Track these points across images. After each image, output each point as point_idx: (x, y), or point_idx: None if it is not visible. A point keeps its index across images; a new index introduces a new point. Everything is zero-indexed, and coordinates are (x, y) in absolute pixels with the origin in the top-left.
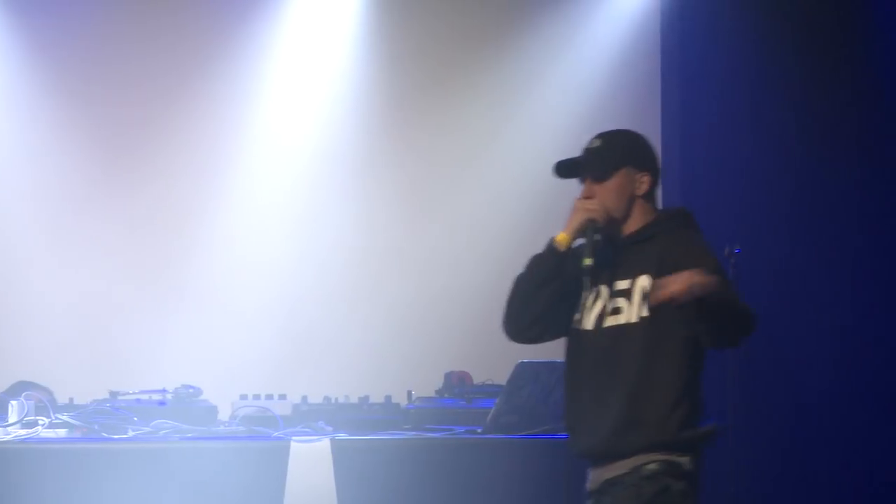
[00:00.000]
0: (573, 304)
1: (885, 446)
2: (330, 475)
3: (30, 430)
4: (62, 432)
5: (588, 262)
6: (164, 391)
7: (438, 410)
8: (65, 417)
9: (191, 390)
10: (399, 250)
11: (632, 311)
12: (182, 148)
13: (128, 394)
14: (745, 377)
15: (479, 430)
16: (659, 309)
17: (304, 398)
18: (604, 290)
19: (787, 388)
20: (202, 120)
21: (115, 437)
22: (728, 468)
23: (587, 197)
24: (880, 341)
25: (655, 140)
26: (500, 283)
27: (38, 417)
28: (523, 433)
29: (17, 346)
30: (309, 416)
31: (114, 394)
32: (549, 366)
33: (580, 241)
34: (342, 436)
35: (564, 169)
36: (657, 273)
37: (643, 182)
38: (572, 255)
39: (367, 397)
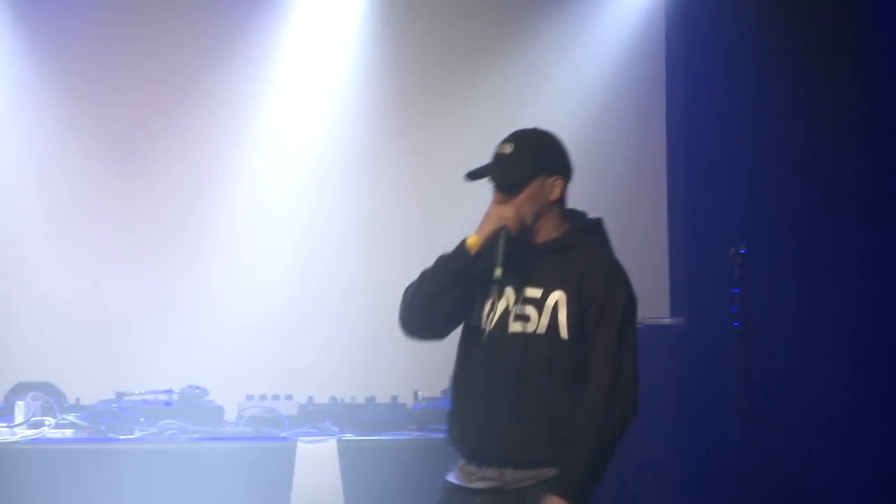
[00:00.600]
0: (474, 304)
1: None
2: (337, 475)
3: (36, 431)
4: (69, 433)
5: (499, 273)
6: (170, 391)
7: (444, 411)
8: (71, 418)
9: (197, 391)
10: (405, 250)
11: (541, 322)
12: (187, 149)
13: (134, 394)
14: (751, 378)
15: None
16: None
17: (311, 398)
18: (510, 293)
19: (794, 389)
20: (208, 121)
21: (122, 437)
22: (734, 471)
23: (501, 202)
24: (890, 341)
25: (660, 139)
26: None
27: (44, 418)
28: None
29: (23, 347)
30: (315, 417)
31: (120, 394)
32: None
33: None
34: (348, 436)
35: (478, 177)
36: (575, 296)
37: (556, 186)
38: (482, 258)
39: (373, 398)
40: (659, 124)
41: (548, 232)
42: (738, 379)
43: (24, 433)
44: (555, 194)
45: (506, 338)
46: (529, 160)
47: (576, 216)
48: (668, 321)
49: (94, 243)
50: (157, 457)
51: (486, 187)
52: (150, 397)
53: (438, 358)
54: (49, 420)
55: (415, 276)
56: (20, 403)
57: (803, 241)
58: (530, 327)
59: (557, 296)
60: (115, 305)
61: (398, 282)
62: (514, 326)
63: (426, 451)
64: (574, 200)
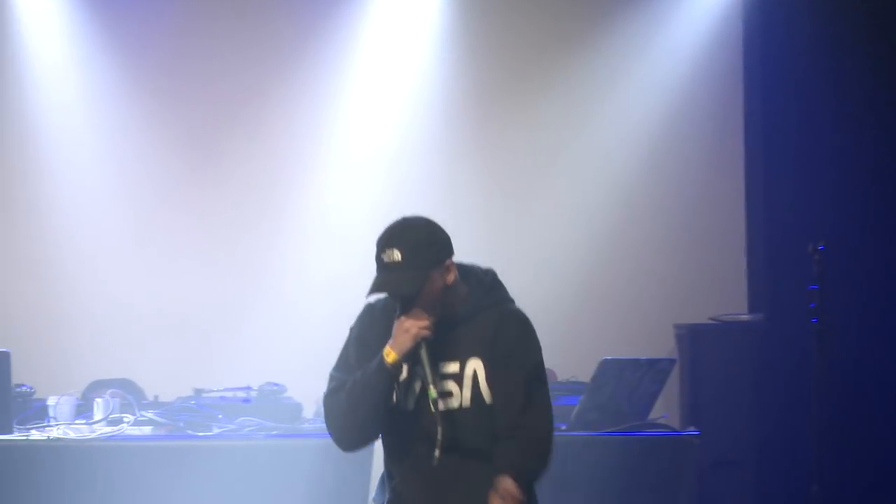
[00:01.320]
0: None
1: None
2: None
3: (115, 428)
4: (147, 430)
5: (433, 393)
6: (248, 388)
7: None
8: (150, 415)
9: (275, 387)
10: (481, 249)
11: (464, 396)
12: (264, 146)
13: (212, 391)
14: (829, 374)
15: (564, 427)
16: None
17: None
18: (426, 370)
19: (872, 385)
20: (285, 118)
21: (200, 434)
22: (812, 467)
23: (407, 312)
24: None
25: (738, 135)
26: (585, 282)
27: (123, 415)
28: (607, 430)
29: (104, 346)
30: None
31: (198, 391)
32: (633, 363)
33: None
34: None
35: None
36: (490, 359)
37: (450, 271)
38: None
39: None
40: (737, 120)
41: (452, 305)
42: (817, 375)
43: (102, 430)
44: (451, 278)
45: (430, 418)
46: (421, 262)
47: (469, 275)
48: (746, 318)
49: (173, 242)
50: (236, 454)
51: (563, 185)
52: (229, 394)
53: None
54: (128, 417)
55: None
56: (99, 400)
57: (882, 236)
58: (454, 402)
59: (474, 364)
60: (192, 303)
61: None
62: (439, 404)
63: None
64: (653, 199)
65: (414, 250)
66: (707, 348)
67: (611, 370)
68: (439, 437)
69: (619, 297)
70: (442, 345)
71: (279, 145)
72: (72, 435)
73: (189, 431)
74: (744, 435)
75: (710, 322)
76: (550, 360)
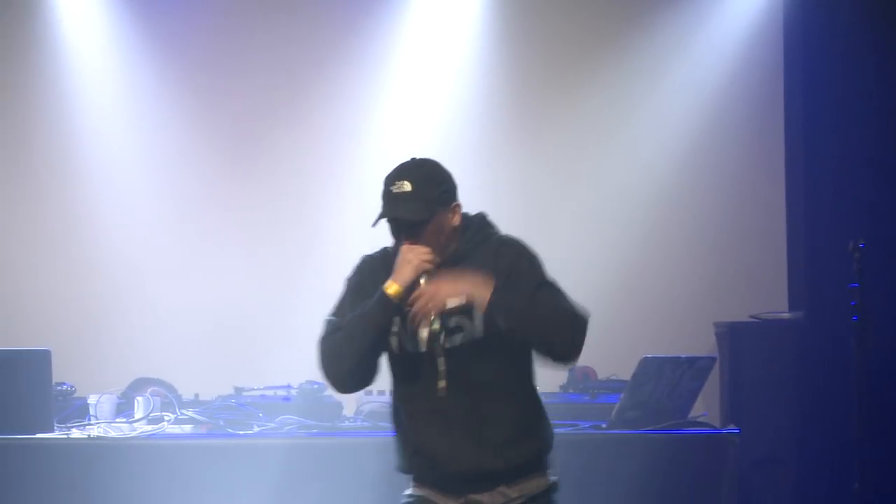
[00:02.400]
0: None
1: None
2: None
3: (155, 426)
4: (187, 428)
5: (436, 325)
6: (288, 387)
7: (563, 405)
8: (190, 413)
9: (315, 386)
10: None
11: (476, 326)
12: (305, 144)
13: (253, 389)
14: (870, 372)
15: (604, 425)
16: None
17: None
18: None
19: None
20: (325, 115)
21: (241, 432)
22: (853, 465)
23: (410, 246)
24: None
25: (778, 134)
26: (625, 279)
27: (163, 413)
28: (648, 428)
29: (144, 344)
30: None
31: (238, 390)
32: (674, 361)
33: None
34: None
35: (402, 229)
36: (496, 281)
37: (456, 212)
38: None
39: None
40: (777, 118)
41: (454, 250)
42: (858, 372)
43: (143, 428)
44: (456, 220)
45: (448, 354)
46: (430, 195)
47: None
48: (786, 316)
49: (215, 240)
50: (276, 452)
51: (603, 183)
52: (269, 393)
53: None
54: (168, 415)
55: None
56: (139, 399)
57: None
58: (466, 335)
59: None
60: (232, 302)
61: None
62: (452, 340)
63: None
64: (694, 197)
65: (424, 183)
66: (747, 346)
67: (651, 368)
68: (441, 367)
69: (659, 295)
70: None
71: (319, 143)
72: (112, 433)
73: (229, 430)
74: (784, 433)
75: (751, 320)
76: (591, 358)
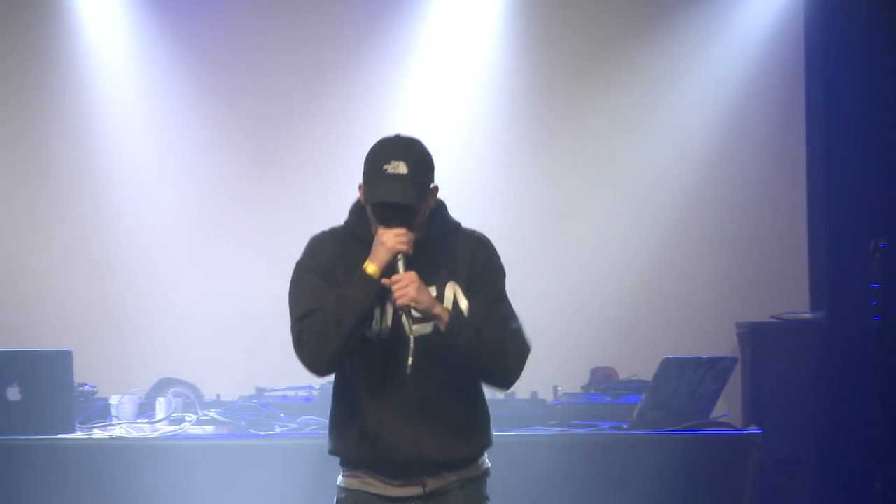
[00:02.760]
0: None
1: None
2: None
3: (177, 427)
4: (209, 429)
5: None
6: (310, 387)
7: (584, 406)
8: (212, 414)
9: None
10: (544, 247)
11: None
12: (327, 143)
13: (274, 390)
14: (892, 372)
15: (625, 426)
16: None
17: None
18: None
19: None
20: (347, 115)
21: (262, 433)
22: (874, 465)
23: (398, 226)
24: None
25: (799, 133)
26: (646, 280)
27: (185, 414)
28: (669, 428)
29: (168, 344)
30: None
31: (260, 390)
32: (695, 361)
33: None
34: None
35: (391, 211)
36: (466, 282)
37: (434, 194)
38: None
39: (513, 393)
40: (798, 118)
41: (419, 231)
42: (878, 373)
43: (164, 429)
44: (433, 202)
45: (407, 342)
46: (422, 179)
47: None
48: (807, 316)
49: (236, 240)
50: (298, 452)
51: (626, 182)
52: (291, 393)
53: (576, 353)
54: (190, 416)
55: (557, 271)
56: (161, 399)
57: None
58: (432, 325)
59: (452, 287)
60: (255, 301)
61: (539, 275)
62: (418, 328)
63: (566, 447)
64: (715, 197)
65: (419, 166)
66: (768, 346)
67: (672, 369)
68: (411, 344)
69: (680, 295)
70: (416, 269)
71: (341, 143)
72: (134, 434)
73: (251, 430)
74: (806, 433)
75: (772, 320)
76: (612, 358)
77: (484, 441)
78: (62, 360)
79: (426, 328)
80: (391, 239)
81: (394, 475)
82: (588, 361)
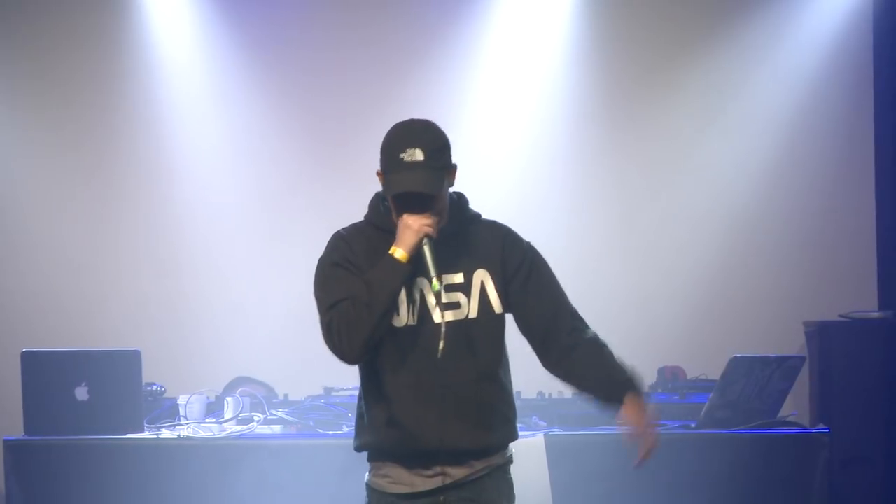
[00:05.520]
0: None
1: None
2: (544, 470)
3: (245, 427)
4: (277, 428)
5: (437, 285)
6: None
7: (652, 405)
8: (280, 413)
9: None
10: (612, 247)
11: (472, 306)
12: None
13: (342, 390)
14: None
15: (693, 425)
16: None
17: (518, 393)
18: (421, 284)
19: None
20: (412, 115)
21: (330, 432)
22: None
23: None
24: None
25: (868, 133)
26: (715, 280)
27: (253, 413)
28: (737, 428)
29: (236, 344)
30: (523, 412)
31: (328, 390)
32: (763, 360)
33: None
34: (556, 431)
35: (411, 199)
36: (500, 270)
37: (453, 176)
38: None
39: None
40: (867, 118)
41: (442, 214)
42: None
43: (232, 428)
44: (453, 179)
45: (436, 329)
46: (440, 163)
47: None
48: (876, 315)
49: (303, 238)
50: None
51: (692, 183)
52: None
53: (644, 352)
54: (258, 416)
55: (624, 271)
56: (229, 399)
57: None
58: (461, 314)
59: (481, 275)
60: None
61: (606, 278)
62: (446, 316)
63: (633, 446)
64: (783, 197)
65: (435, 151)
66: (837, 345)
67: (740, 368)
68: (443, 329)
69: (748, 294)
70: (442, 257)
71: None
72: (202, 434)
73: (319, 430)
74: (874, 432)
75: (840, 319)
76: (680, 358)
77: (509, 432)
78: (130, 359)
79: (459, 313)
80: (416, 221)
81: (423, 464)
82: (656, 361)
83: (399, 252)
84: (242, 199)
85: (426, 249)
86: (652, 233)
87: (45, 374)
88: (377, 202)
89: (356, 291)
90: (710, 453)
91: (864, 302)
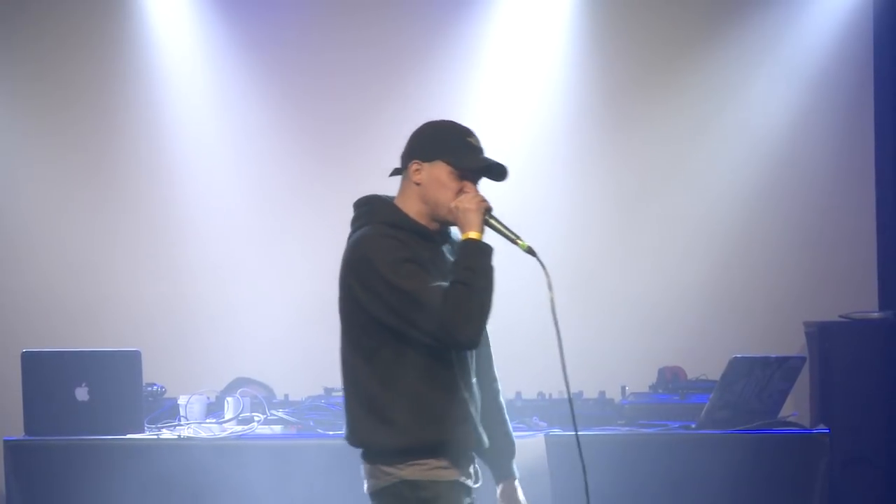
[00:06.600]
0: None
1: None
2: (545, 470)
3: (245, 427)
4: (277, 428)
5: (525, 244)
6: None
7: (652, 406)
8: (280, 414)
9: None
10: (611, 247)
11: None
12: (394, 142)
13: (342, 390)
14: None
15: (693, 426)
16: None
17: (518, 394)
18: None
19: None
20: (415, 115)
21: (330, 433)
22: None
23: (463, 192)
24: None
25: (868, 134)
26: (715, 280)
27: (253, 414)
28: (737, 428)
29: (236, 344)
30: (523, 412)
31: (328, 390)
32: (763, 360)
33: None
34: (556, 431)
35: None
36: None
37: None
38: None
39: (580, 393)
40: (867, 118)
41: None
42: None
43: (233, 429)
44: None
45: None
46: None
47: None
48: (876, 315)
49: (302, 240)
50: None
51: (692, 183)
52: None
53: (644, 352)
54: (258, 416)
55: (624, 272)
56: (229, 399)
57: None
58: None
59: None
60: (323, 301)
61: (606, 278)
62: None
63: (634, 446)
64: (783, 197)
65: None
66: (837, 346)
67: (741, 368)
68: (549, 285)
69: (748, 295)
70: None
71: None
72: (202, 434)
73: (319, 430)
74: (874, 433)
75: (841, 320)
76: (680, 358)
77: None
78: (131, 360)
79: None
80: (472, 202)
81: (468, 463)
82: (656, 361)
83: (474, 234)
84: (243, 199)
85: (493, 220)
86: (652, 233)
87: (46, 374)
88: (387, 205)
89: (461, 276)
90: (710, 453)
91: (864, 302)
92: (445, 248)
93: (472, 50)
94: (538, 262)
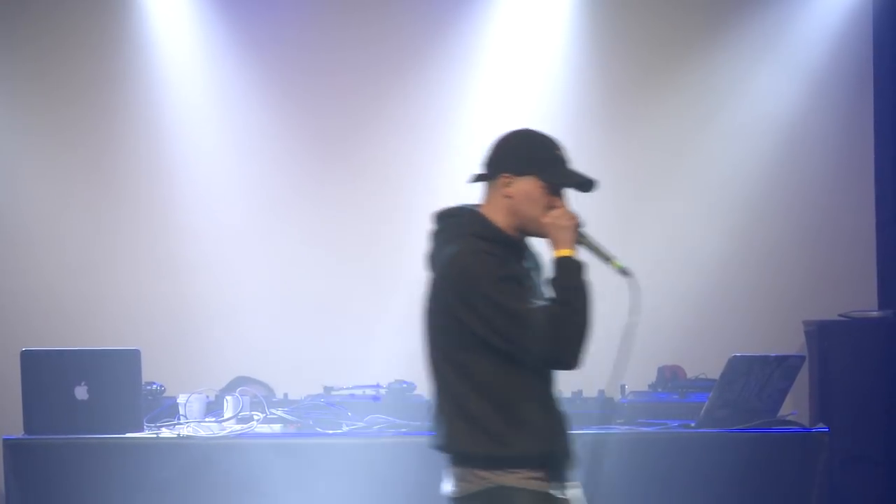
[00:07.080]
0: None
1: None
2: None
3: (245, 426)
4: (277, 427)
5: (619, 263)
6: (377, 386)
7: (652, 405)
8: (279, 413)
9: (405, 385)
10: (611, 246)
11: None
12: (394, 141)
13: (342, 389)
14: None
15: (693, 424)
16: None
17: None
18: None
19: None
20: (415, 113)
21: (330, 432)
22: None
23: (553, 207)
24: None
25: (867, 132)
26: (714, 279)
27: (253, 413)
28: (737, 427)
29: (235, 343)
30: None
31: (328, 389)
32: (763, 359)
33: None
34: None
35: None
36: None
37: None
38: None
39: (580, 392)
40: (867, 117)
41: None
42: None
43: (232, 427)
44: None
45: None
46: None
47: None
48: (876, 314)
49: (303, 239)
50: (365, 451)
51: (691, 184)
52: (358, 392)
53: (644, 351)
54: (257, 415)
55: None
56: (229, 398)
57: None
58: None
59: None
60: (323, 300)
61: (609, 276)
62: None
63: (634, 445)
64: (783, 196)
65: None
66: (836, 345)
67: (740, 367)
68: (635, 309)
69: (748, 293)
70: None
71: (408, 141)
72: (201, 433)
73: (318, 429)
74: (874, 431)
75: (840, 318)
76: (680, 357)
77: None
78: (130, 359)
79: None
80: (563, 218)
81: (561, 475)
82: (656, 360)
83: (566, 251)
84: (242, 198)
85: (586, 237)
86: (651, 232)
87: (45, 373)
88: (478, 218)
89: (562, 297)
90: (709, 452)
91: (863, 301)
92: (529, 260)
93: (471, 49)
94: (629, 283)
